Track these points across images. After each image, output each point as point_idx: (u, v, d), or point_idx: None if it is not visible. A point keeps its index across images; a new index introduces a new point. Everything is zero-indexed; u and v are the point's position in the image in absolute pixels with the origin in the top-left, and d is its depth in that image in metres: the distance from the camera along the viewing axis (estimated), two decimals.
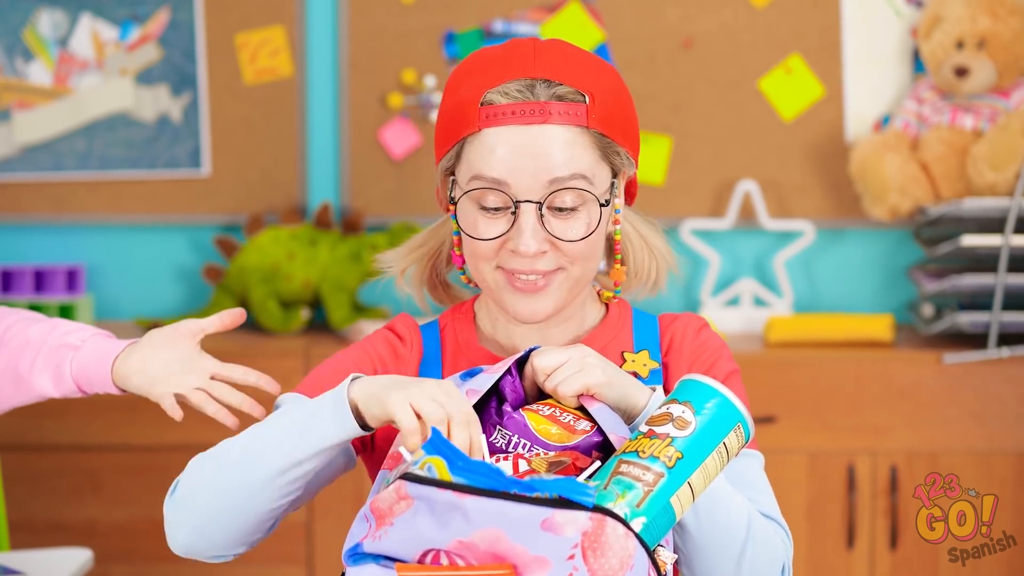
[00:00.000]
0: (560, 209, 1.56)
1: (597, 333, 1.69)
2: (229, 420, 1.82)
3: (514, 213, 1.56)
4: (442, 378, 1.66)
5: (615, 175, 1.62)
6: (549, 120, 1.54)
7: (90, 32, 3.45)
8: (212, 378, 1.84)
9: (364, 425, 1.47)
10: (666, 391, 1.63)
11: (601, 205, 1.58)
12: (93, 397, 3.10)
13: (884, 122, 3.44)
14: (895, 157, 3.28)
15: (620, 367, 1.64)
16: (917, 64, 3.43)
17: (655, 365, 1.67)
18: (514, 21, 3.46)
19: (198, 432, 3.14)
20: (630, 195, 1.70)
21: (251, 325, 3.42)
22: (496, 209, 1.56)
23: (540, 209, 1.55)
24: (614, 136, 1.59)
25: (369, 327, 3.21)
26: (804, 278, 3.53)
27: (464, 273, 1.68)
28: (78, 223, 3.50)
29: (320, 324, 3.45)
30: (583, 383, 1.50)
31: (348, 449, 1.60)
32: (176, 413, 1.85)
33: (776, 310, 3.43)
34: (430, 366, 1.68)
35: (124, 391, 1.88)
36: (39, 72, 3.44)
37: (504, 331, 1.68)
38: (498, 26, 3.46)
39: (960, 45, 3.28)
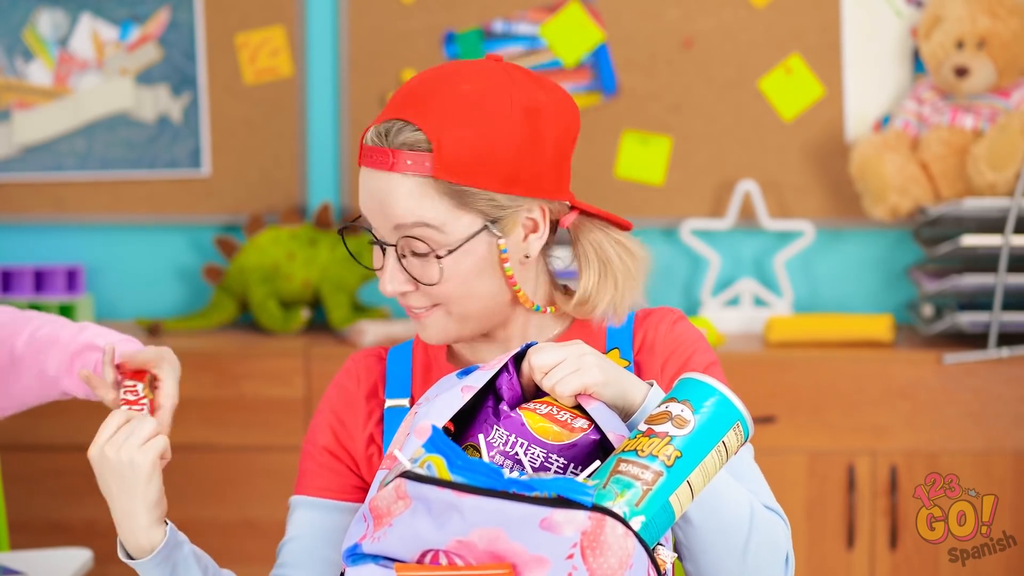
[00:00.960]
0: (415, 253, 1.58)
1: (565, 337, 1.68)
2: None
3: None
4: (411, 395, 1.67)
5: (494, 220, 1.59)
6: (395, 168, 1.55)
7: (90, 32, 3.45)
8: None
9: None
10: None
11: (440, 255, 1.57)
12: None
13: (884, 122, 3.44)
14: (895, 157, 3.28)
15: None
16: (917, 64, 3.43)
17: (625, 364, 1.66)
18: (514, 21, 3.46)
19: (198, 432, 3.14)
20: (609, 216, 1.66)
21: (251, 325, 3.43)
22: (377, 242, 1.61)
23: (397, 251, 1.58)
24: (474, 182, 1.56)
25: (369, 327, 3.21)
26: (804, 278, 3.53)
27: None
28: (78, 223, 3.50)
29: (320, 324, 3.46)
30: (580, 383, 1.50)
31: (341, 508, 1.66)
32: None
33: (776, 310, 3.43)
34: (397, 384, 1.69)
35: None
36: (39, 72, 3.44)
37: (467, 346, 1.69)
38: (498, 26, 3.46)
39: (960, 45, 3.28)
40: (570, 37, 3.44)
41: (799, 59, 3.46)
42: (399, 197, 1.55)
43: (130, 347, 1.90)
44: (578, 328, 1.69)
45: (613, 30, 3.46)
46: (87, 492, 3.15)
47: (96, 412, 3.13)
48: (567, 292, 1.70)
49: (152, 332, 3.31)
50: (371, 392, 1.69)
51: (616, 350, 1.67)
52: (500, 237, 1.60)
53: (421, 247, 1.57)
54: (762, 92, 3.47)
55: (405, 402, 1.67)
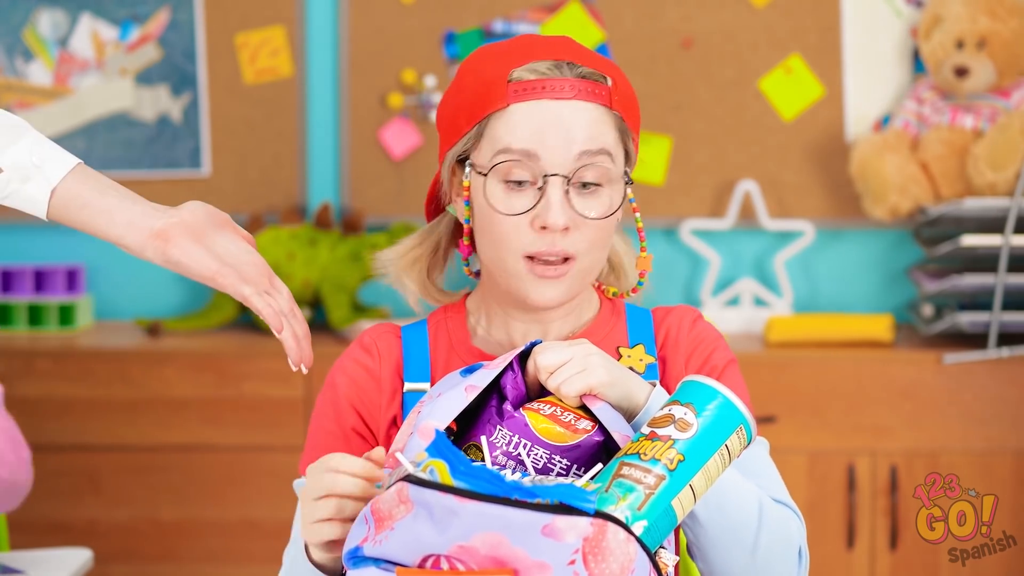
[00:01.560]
0: (583, 186, 1.58)
1: (593, 328, 1.68)
2: None
3: (540, 188, 1.57)
4: (431, 379, 1.66)
5: (626, 162, 1.64)
6: (579, 96, 1.57)
7: (90, 32, 3.45)
8: None
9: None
10: (663, 385, 1.63)
11: (626, 183, 1.61)
12: (92, 397, 3.11)
13: (884, 122, 3.44)
14: (895, 157, 3.28)
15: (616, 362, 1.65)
16: (917, 64, 3.43)
17: (651, 360, 1.67)
18: (514, 21, 3.46)
19: (198, 432, 3.14)
20: None
21: (251, 325, 3.43)
22: (520, 183, 1.58)
23: (567, 183, 1.57)
24: (629, 123, 1.62)
25: (369, 327, 3.20)
26: (804, 278, 3.53)
27: (467, 265, 1.69)
28: None
29: (320, 324, 3.46)
30: (586, 383, 1.50)
31: None
32: None
33: (776, 310, 3.43)
34: (415, 367, 1.68)
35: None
36: (39, 72, 3.44)
37: (501, 326, 1.68)
38: (498, 26, 3.46)
39: (960, 45, 3.28)
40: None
41: (799, 59, 3.46)
42: (586, 123, 1.57)
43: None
44: (603, 320, 1.69)
45: (613, 30, 3.46)
46: (87, 492, 3.16)
47: (96, 413, 3.14)
48: None
49: (152, 332, 3.31)
50: (394, 370, 1.68)
51: (641, 345, 1.68)
52: (629, 184, 1.64)
53: (596, 176, 1.58)
54: (762, 92, 3.47)
55: (426, 386, 1.66)
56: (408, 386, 1.66)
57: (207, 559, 3.15)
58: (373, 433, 1.66)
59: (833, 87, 3.46)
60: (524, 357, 1.55)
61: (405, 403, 1.65)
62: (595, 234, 1.59)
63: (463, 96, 1.62)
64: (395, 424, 1.65)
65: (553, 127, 1.56)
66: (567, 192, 1.57)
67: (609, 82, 1.59)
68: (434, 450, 1.37)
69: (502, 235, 1.59)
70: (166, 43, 3.46)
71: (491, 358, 1.64)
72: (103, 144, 3.46)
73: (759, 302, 3.47)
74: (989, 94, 3.31)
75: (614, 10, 3.46)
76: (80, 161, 1.54)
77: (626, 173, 1.62)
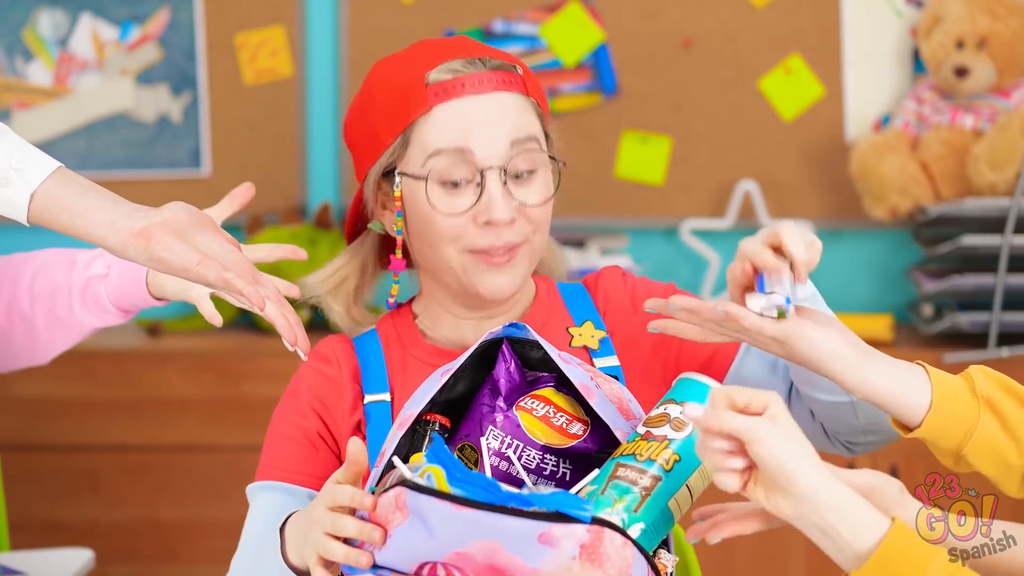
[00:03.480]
0: (517, 176, 1.59)
1: (534, 313, 1.68)
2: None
3: (479, 184, 1.57)
4: (389, 386, 1.65)
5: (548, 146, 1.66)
6: (498, 88, 1.58)
7: (90, 32, 3.45)
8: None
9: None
10: (620, 354, 1.64)
11: (561, 164, 1.62)
12: (92, 397, 3.11)
13: (884, 122, 3.44)
14: (895, 157, 3.28)
15: (568, 343, 1.65)
16: (917, 64, 3.43)
17: (602, 334, 1.67)
18: (514, 21, 3.46)
19: (198, 432, 3.14)
20: None
21: (251, 325, 3.43)
22: (456, 184, 1.58)
23: (504, 175, 1.57)
24: (544, 108, 1.64)
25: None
26: None
27: (396, 283, 1.68)
28: None
29: (320, 324, 3.45)
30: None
31: None
32: (216, 320, 1.85)
33: None
34: (373, 377, 1.67)
35: (161, 299, 1.90)
36: (39, 72, 3.44)
37: (449, 327, 1.67)
38: (498, 26, 3.46)
39: (960, 45, 3.28)
40: (570, 37, 3.44)
41: (799, 59, 3.46)
42: (510, 112, 1.59)
43: (123, 263, 1.88)
44: (542, 303, 1.69)
45: (613, 30, 3.46)
46: (87, 492, 3.16)
47: (96, 413, 3.14)
48: None
49: (152, 332, 3.31)
50: (353, 376, 1.67)
51: (588, 322, 1.68)
52: (561, 166, 1.65)
53: (530, 162, 1.59)
54: (762, 92, 3.47)
55: (385, 396, 1.65)
56: (368, 397, 1.65)
57: (207, 559, 3.15)
58: (335, 438, 1.65)
59: (833, 87, 3.46)
60: (513, 344, 1.53)
61: (368, 414, 1.64)
62: (538, 216, 1.60)
63: (378, 110, 1.61)
64: (358, 429, 1.64)
65: (480, 122, 1.57)
66: (505, 183, 1.57)
67: (520, 71, 1.61)
68: (432, 455, 1.37)
69: (445, 235, 1.59)
70: (166, 43, 3.46)
71: (449, 354, 1.63)
72: (103, 144, 3.46)
73: None
74: (989, 94, 3.31)
75: (614, 10, 3.46)
76: (60, 164, 1.54)
77: (553, 157, 1.63)
